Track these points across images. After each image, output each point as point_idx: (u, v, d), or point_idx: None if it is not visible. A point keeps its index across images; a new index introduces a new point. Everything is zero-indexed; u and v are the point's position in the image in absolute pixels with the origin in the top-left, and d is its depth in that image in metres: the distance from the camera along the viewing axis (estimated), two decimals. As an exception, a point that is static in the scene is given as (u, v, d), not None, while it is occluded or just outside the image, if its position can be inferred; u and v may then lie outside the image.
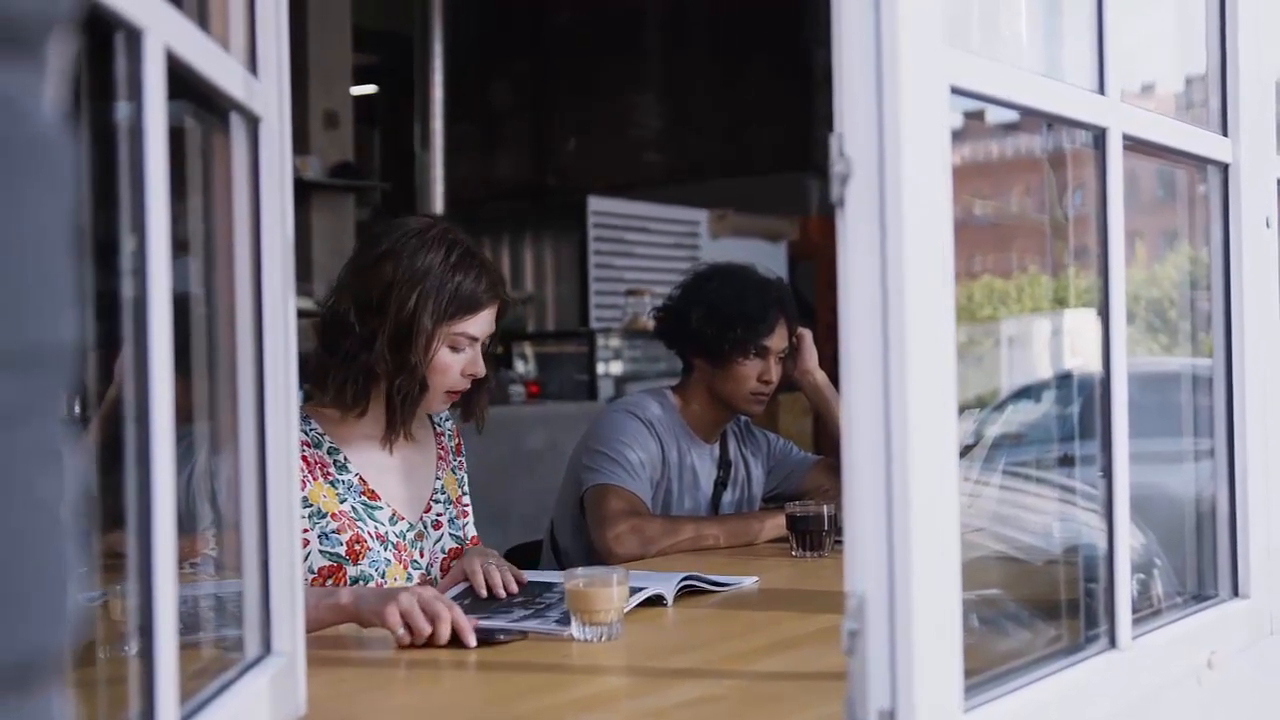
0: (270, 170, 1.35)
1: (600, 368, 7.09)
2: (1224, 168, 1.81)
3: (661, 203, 7.99)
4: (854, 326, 1.13)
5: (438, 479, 2.40)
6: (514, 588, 2.13)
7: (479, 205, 9.03)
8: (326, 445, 2.26)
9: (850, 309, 1.13)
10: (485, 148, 9.90)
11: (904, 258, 1.12)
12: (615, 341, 7.21)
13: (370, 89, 9.44)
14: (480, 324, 2.26)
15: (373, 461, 2.30)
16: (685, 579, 2.20)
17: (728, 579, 2.31)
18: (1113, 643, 1.49)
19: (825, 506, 2.66)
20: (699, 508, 3.01)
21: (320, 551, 2.18)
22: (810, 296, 7.11)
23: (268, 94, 1.35)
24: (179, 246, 1.09)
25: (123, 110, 0.97)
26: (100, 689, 1.25)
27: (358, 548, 2.21)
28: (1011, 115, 1.50)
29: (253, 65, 1.33)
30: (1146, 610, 1.65)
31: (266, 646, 1.36)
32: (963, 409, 1.22)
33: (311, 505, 2.19)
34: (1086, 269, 1.63)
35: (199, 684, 1.19)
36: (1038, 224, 1.91)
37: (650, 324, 3.53)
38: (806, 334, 3.08)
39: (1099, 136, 1.50)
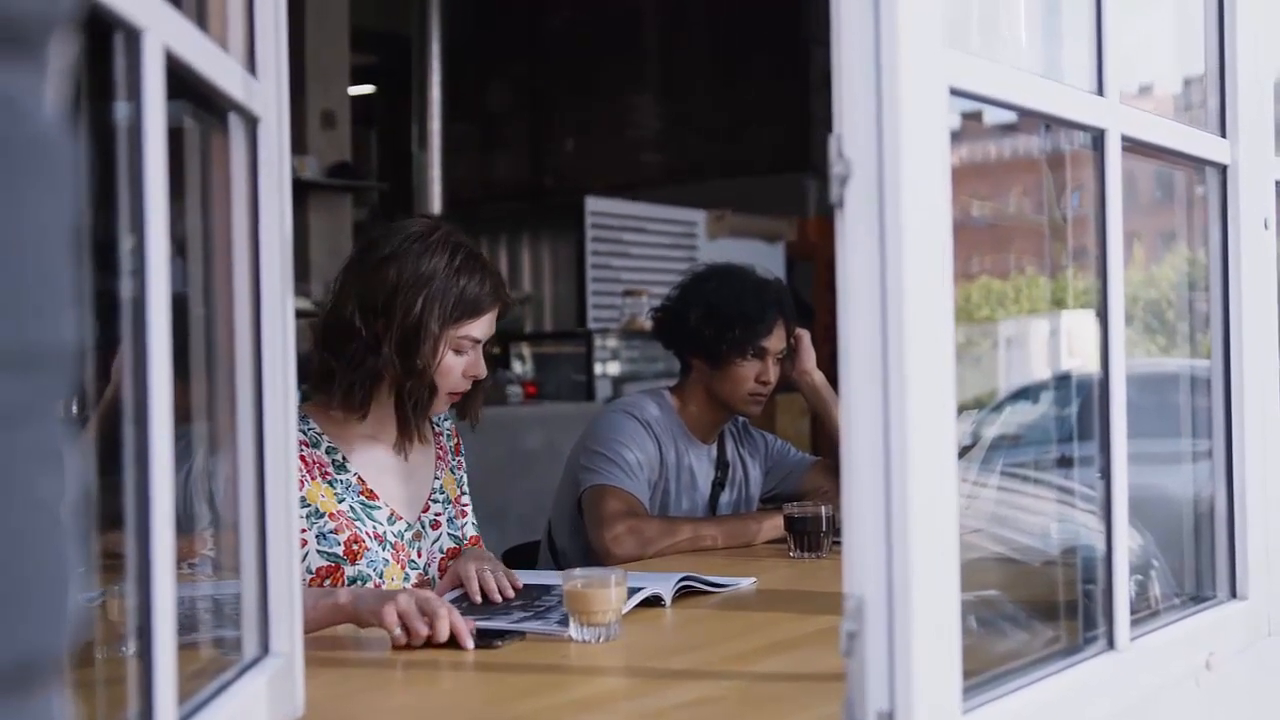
0: (269, 170, 1.35)
1: (598, 368, 7.09)
2: (1222, 169, 1.81)
3: (659, 203, 7.99)
4: (853, 327, 1.13)
5: (436, 479, 2.40)
6: (510, 592, 2.12)
7: (477, 205, 9.03)
8: (325, 445, 2.26)
9: (849, 310, 1.13)
10: (483, 148, 9.90)
11: (903, 259, 1.12)
12: (613, 342, 7.21)
13: (368, 89, 9.44)
14: (483, 326, 2.27)
15: (372, 461, 2.30)
16: (683, 579, 2.20)
17: (726, 580, 2.31)
18: (1111, 644, 1.49)
19: (823, 507, 2.66)
20: (696, 508, 3.01)
21: (318, 551, 2.18)
22: (808, 297, 7.11)
23: (266, 94, 1.35)
24: (177, 246, 1.09)
25: (122, 110, 0.97)
26: (98, 689, 1.25)
27: (356, 548, 2.21)
28: (1009, 116, 1.50)
29: (251, 65, 1.33)
30: (1145, 611, 1.65)
31: (264, 647, 1.36)
32: (960, 410, 1.22)
33: (309, 505, 2.19)
34: (1084, 270, 1.63)
35: (197, 684, 1.19)
36: (1035, 225, 1.91)
37: (648, 324, 3.53)
38: (804, 335, 3.08)
39: (1098, 138, 1.50)
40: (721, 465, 3.08)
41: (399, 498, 2.32)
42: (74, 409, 1.07)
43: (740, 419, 3.14)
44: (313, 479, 2.21)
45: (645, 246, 7.81)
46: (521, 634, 1.91)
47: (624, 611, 1.95)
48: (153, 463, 0.98)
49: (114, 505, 0.99)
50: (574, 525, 2.91)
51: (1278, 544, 1.85)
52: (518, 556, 3.06)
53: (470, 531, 2.46)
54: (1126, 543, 1.50)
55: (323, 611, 1.94)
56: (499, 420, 5.43)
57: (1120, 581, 1.49)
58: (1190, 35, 1.85)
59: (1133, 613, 1.52)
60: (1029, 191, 1.91)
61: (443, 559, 2.35)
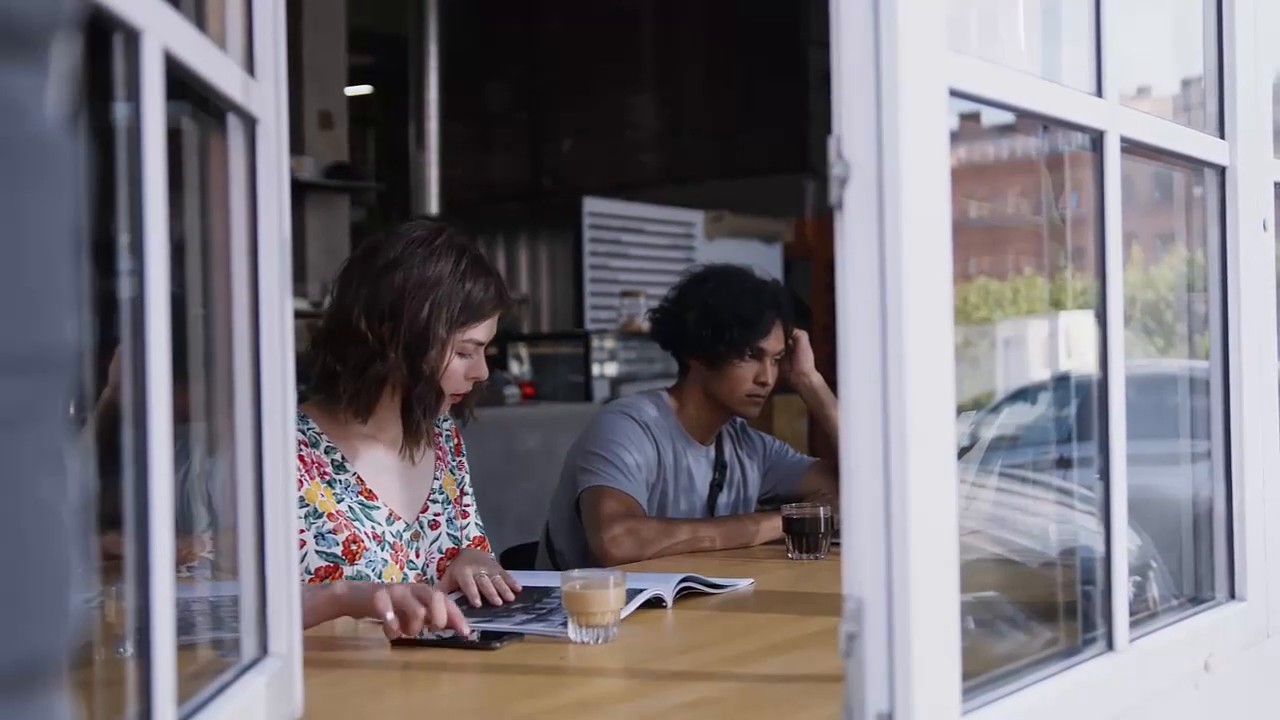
0: (267, 171, 1.35)
1: (595, 369, 7.09)
2: (1221, 170, 1.81)
3: (657, 204, 7.99)
4: (852, 329, 1.13)
5: (436, 479, 2.40)
6: (509, 595, 2.11)
7: (474, 206, 9.03)
8: (324, 444, 2.26)
9: (849, 311, 1.13)
10: (480, 149, 9.90)
11: (902, 260, 1.12)
12: (610, 343, 7.21)
13: (365, 90, 9.44)
14: (487, 329, 2.28)
15: (371, 461, 2.30)
16: (684, 580, 2.20)
17: (725, 581, 2.31)
18: (1110, 645, 1.49)
19: (821, 509, 2.66)
20: (694, 510, 3.01)
21: (317, 552, 2.18)
22: (805, 298, 7.11)
23: (265, 95, 1.35)
24: (175, 247, 1.08)
25: (121, 111, 0.97)
26: (96, 691, 1.25)
27: (354, 548, 2.20)
28: (1007, 117, 1.50)
29: (250, 66, 1.33)
30: (1144, 613, 1.65)
31: (263, 648, 1.36)
32: (958, 411, 1.22)
33: (308, 505, 2.19)
34: (1082, 271, 1.63)
35: (196, 686, 1.19)
36: (1033, 226, 1.91)
37: (646, 325, 3.53)
38: (802, 336, 3.08)
39: (1097, 139, 1.50)
40: (719, 466, 3.08)
41: (398, 498, 2.32)
42: (72, 410, 1.06)
43: (738, 420, 3.14)
44: (311, 479, 2.21)
45: (643, 247, 7.81)
46: (520, 635, 1.91)
47: (626, 614, 1.95)
48: (152, 463, 0.97)
49: (111, 506, 0.98)
50: (572, 526, 2.91)
51: (1277, 544, 1.85)
52: (516, 558, 3.06)
53: (474, 532, 2.46)
54: (1125, 544, 1.50)
55: (320, 604, 1.94)
56: (496, 421, 5.43)
57: (1119, 583, 1.49)
58: (1189, 36, 1.85)
59: (1132, 614, 1.52)
60: (1026, 192, 1.91)
61: (441, 559, 2.35)
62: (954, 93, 1.20)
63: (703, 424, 3.04)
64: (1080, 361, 1.70)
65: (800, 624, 2.07)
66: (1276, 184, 1.90)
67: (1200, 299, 1.87)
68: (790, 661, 1.81)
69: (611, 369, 7.16)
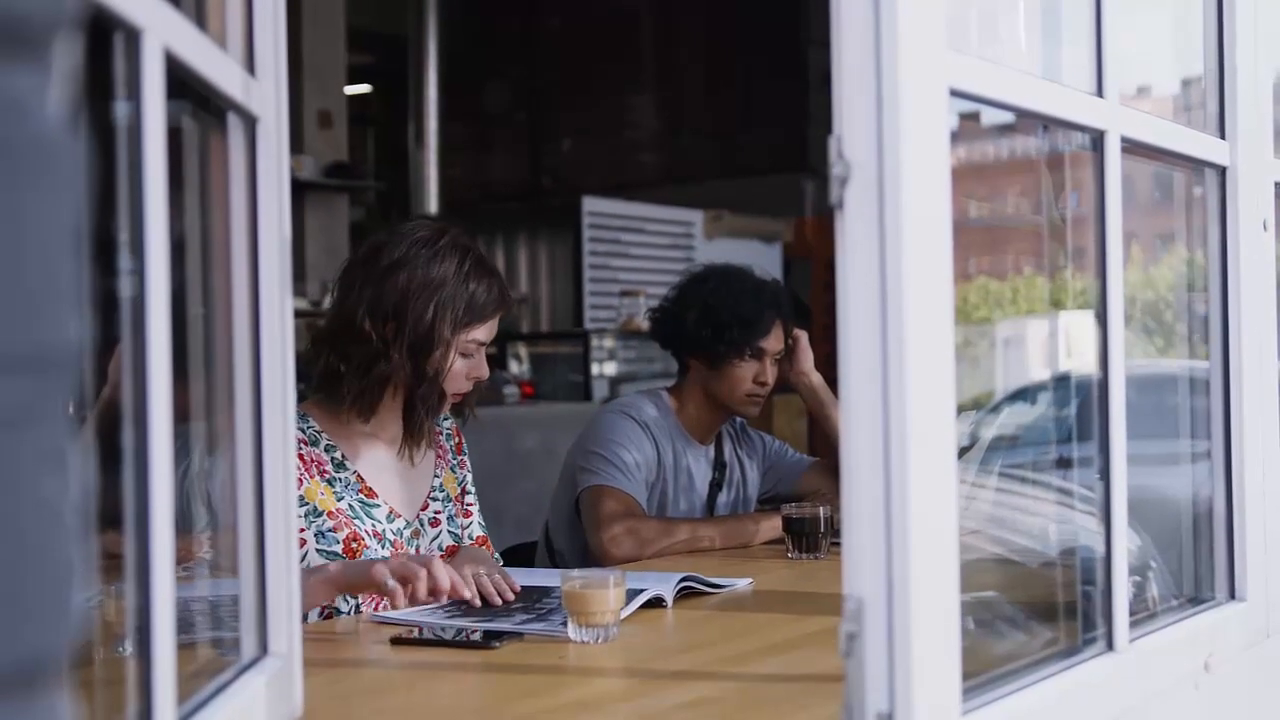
0: (268, 170, 1.35)
1: (595, 368, 7.09)
2: (1221, 170, 1.81)
3: (657, 203, 8.00)
4: (853, 329, 1.13)
5: (436, 476, 2.41)
6: (509, 595, 2.10)
7: (474, 205, 9.03)
8: (324, 443, 2.26)
9: (849, 311, 1.13)
10: (480, 148, 9.90)
11: (903, 260, 1.12)
12: (610, 342, 7.21)
13: (364, 89, 9.44)
14: (489, 330, 2.30)
15: (371, 459, 2.31)
16: (683, 580, 2.20)
17: (725, 580, 2.31)
18: (1110, 645, 1.49)
19: (821, 508, 2.66)
20: (694, 509, 3.01)
21: (317, 550, 2.18)
22: (805, 298, 7.11)
23: (265, 94, 1.35)
24: (176, 246, 1.08)
25: (121, 110, 0.97)
26: (95, 690, 1.25)
27: (355, 546, 2.20)
28: (1006, 117, 1.50)
29: (250, 65, 1.33)
30: (1144, 613, 1.65)
31: (263, 648, 1.36)
32: (958, 411, 1.22)
33: (308, 503, 2.19)
34: (1082, 271, 1.63)
35: (195, 685, 1.19)
36: (1033, 226, 1.91)
37: (645, 325, 3.53)
38: (802, 335, 3.08)
39: (1097, 139, 1.50)
40: (719, 466, 3.08)
41: (398, 496, 2.32)
42: (71, 409, 1.06)
43: (738, 420, 3.14)
44: (311, 477, 2.21)
45: (642, 247, 7.81)
46: (520, 634, 1.91)
47: (627, 614, 1.95)
48: (152, 462, 0.97)
49: (110, 505, 0.98)
50: (571, 526, 2.91)
51: (1277, 544, 1.85)
52: (515, 557, 3.06)
53: (476, 532, 2.47)
54: (1125, 544, 1.50)
55: (317, 586, 1.94)
56: (496, 420, 5.42)
57: (1119, 583, 1.48)
58: (1189, 36, 1.85)
59: (1132, 614, 1.52)
60: (1026, 192, 1.91)
61: (442, 556, 2.35)
62: (954, 92, 1.20)
63: (702, 423, 3.04)
64: (1080, 361, 1.70)
65: (800, 624, 2.07)
66: (1277, 184, 1.90)
67: (1200, 299, 1.87)
68: (790, 661, 1.81)
69: (611, 368, 7.16)
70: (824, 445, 3.17)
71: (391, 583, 1.82)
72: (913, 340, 1.12)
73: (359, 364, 2.22)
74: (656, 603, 2.11)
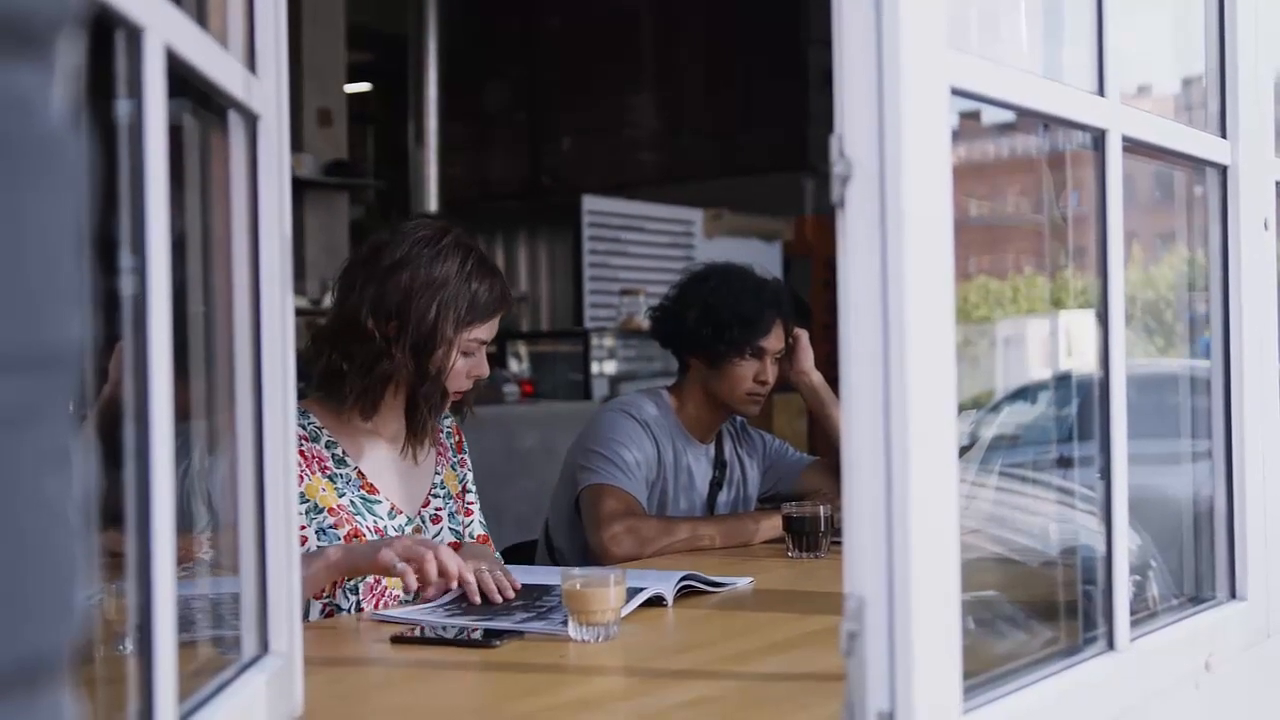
0: (268, 168, 1.35)
1: (595, 367, 7.09)
2: (1222, 170, 1.81)
3: (656, 202, 7.99)
4: (854, 327, 1.13)
5: (437, 474, 2.41)
6: (510, 593, 2.10)
7: (473, 205, 9.03)
8: (325, 439, 2.27)
9: (850, 310, 1.13)
10: (480, 147, 9.90)
11: (904, 259, 1.11)
12: (610, 341, 7.21)
13: (364, 87, 9.43)
14: (491, 329, 2.31)
15: (372, 456, 2.31)
16: (683, 578, 2.20)
17: (725, 579, 2.31)
18: (1111, 645, 1.49)
19: (821, 507, 2.66)
20: (694, 508, 3.01)
21: (318, 547, 2.18)
22: (805, 296, 7.11)
23: (266, 92, 1.35)
24: (176, 244, 1.08)
25: (123, 108, 0.96)
26: (96, 688, 1.25)
27: (356, 543, 2.20)
28: (1007, 115, 1.50)
29: (251, 63, 1.33)
30: (1144, 612, 1.65)
31: (264, 646, 1.35)
32: (959, 410, 1.22)
33: (309, 500, 2.19)
34: (1083, 270, 1.63)
35: (196, 683, 1.19)
36: (1034, 225, 1.91)
37: (645, 324, 3.53)
38: (803, 334, 3.08)
39: (1098, 138, 1.50)
40: (719, 465, 3.08)
41: (399, 492, 2.32)
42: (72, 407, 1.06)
43: (738, 419, 3.14)
44: (312, 474, 2.21)
45: (642, 246, 7.81)
46: (520, 633, 1.91)
47: (627, 612, 1.95)
48: (153, 460, 0.97)
49: (112, 503, 0.98)
50: (572, 525, 2.91)
51: (1278, 544, 1.85)
52: (515, 556, 3.06)
53: (477, 530, 2.47)
54: (1126, 543, 1.50)
55: (318, 572, 1.94)
56: (495, 419, 5.42)
57: (1120, 582, 1.48)
58: (1190, 36, 1.85)
59: (1132, 613, 1.52)
60: (1027, 191, 1.91)
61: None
62: (955, 91, 1.20)
63: (702, 422, 3.04)
64: (1081, 361, 1.70)
65: (800, 623, 2.07)
66: (1278, 183, 1.90)
67: (1201, 298, 1.87)
68: (790, 660, 1.81)
69: (611, 367, 7.16)
70: (824, 444, 3.17)
71: (400, 564, 1.82)
72: (913, 339, 1.12)
73: (362, 362, 2.22)
74: (657, 601, 2.11)
